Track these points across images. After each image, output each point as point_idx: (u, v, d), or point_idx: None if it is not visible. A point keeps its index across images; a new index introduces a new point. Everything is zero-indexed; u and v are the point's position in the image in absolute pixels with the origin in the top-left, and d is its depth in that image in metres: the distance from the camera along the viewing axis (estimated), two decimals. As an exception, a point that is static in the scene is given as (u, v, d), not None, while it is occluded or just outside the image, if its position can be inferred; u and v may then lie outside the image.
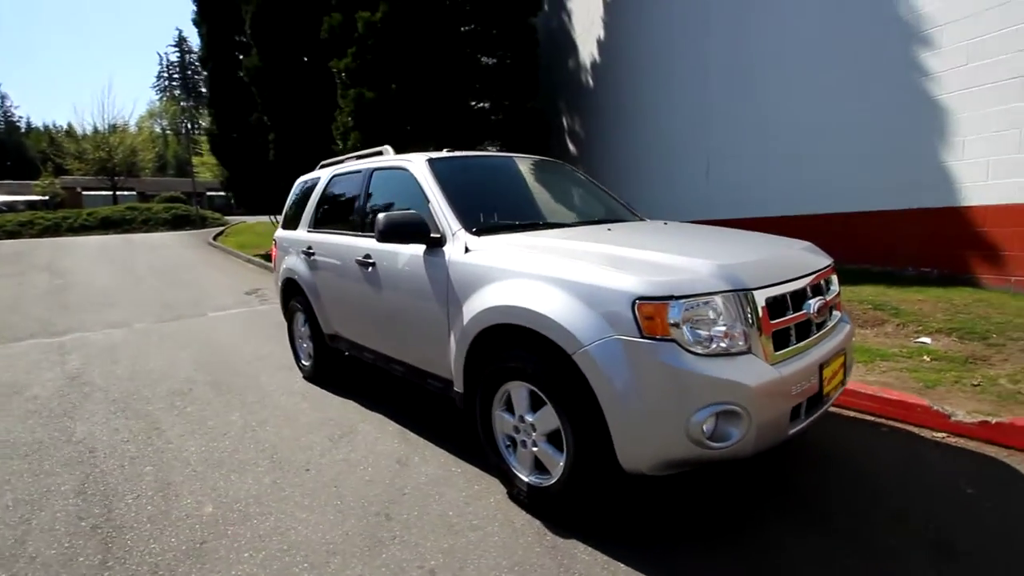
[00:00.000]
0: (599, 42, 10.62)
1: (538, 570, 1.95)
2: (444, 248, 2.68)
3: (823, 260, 2.50)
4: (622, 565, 1.95)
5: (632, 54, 9.38)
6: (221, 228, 22.76)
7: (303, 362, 4.47)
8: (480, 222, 2.77)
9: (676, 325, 1.83)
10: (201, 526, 2.37)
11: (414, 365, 3.05)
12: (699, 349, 1.84)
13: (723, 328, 1.87)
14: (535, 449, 2.25)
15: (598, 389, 1.91)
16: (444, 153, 3.30)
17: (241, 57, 13.73)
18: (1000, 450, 2.60)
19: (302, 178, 4.72)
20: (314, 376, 4.28)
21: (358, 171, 3.73)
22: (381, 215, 2.75)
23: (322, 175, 4.23)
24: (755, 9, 6.93)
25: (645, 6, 8.99)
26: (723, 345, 1.86)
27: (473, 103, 9.93)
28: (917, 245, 5.24)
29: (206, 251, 16.13)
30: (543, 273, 2.16)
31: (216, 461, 3.00)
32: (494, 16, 9.60)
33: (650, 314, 1.84)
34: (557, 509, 2.19)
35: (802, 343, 2.10)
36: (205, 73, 14.96)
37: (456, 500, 2.46)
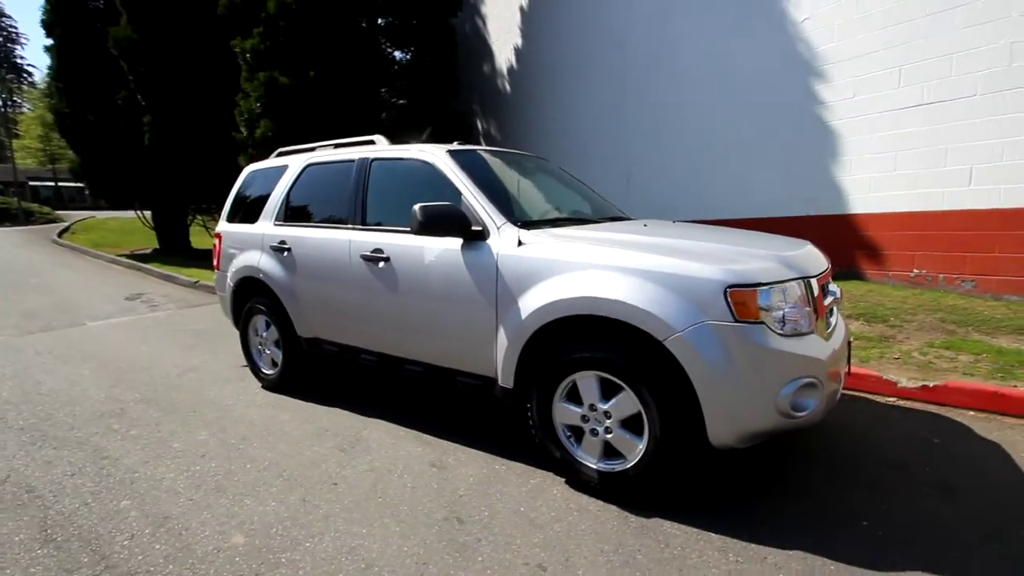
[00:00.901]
0: (516, 49, 10.88)
1: (642, 550, 2.01)
2: (488, 242, 2.62)
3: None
4: (712, 534, 2.09)
5: (550, 62, 9.75)
6: (63, 225, 19.19)
7: (264, 371, 4.02)
8: (516, 216, 2.76)
9: (766, 309, 2.02)
10: (242, 558, 2.06)
11: (440, 365, 2.92)
12: (781, 330, 2.05)
13: (796, 311, 2.10)
14: (609, 436, 2.31)
15: (692, 371, 2.04)
16: (457, 146, 3.21)
17: (101, 26, 11.71)
18: (940, 407, 3.22)
19: (253, 167, 4.24)
20: (280, 384, 3.87)
21: (347, 161, 3.46)
22: (418, 206, 2.62)
23: (290, 164, 3.84)
24: (671, 27, 7.63)
25: (561, 16, 9.40)
26: (797, 326, 2.09)
27: (394, 99, 9.59)
28: (817, 246, 6.18)
29: (52, 251, 13.55)
30: (620, 264, 2.23)
31: (213, 486, 2.60)
32: (415, 13, 9.37)
33: (742, 300, 2.01)
34: (633, 491, 2.27)
35: (832, 326, 2.43)
36: (51, 41, 12.46)
37: (519, 496, 2.42)
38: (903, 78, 5.34)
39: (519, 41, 10.79)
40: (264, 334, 3.95)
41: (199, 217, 13.20)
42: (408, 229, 3.02)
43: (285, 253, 3.62)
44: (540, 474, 2.60)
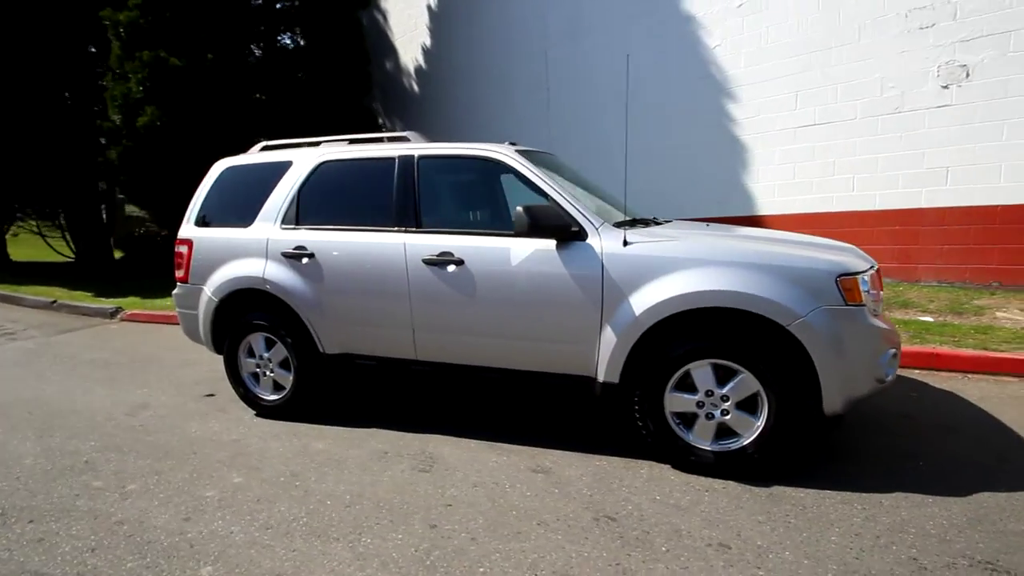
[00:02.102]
0: (425, 49, 10.66)
1: (789, 514, 2.24)
2: (588, 242, 2.66)
3: None
4: (827, 491, 2.39)
5: (469, 66, 9.75)
6: None
7: (263, 396, 3.50)
8: (601, 216, 2.82)
9: (866, 293, 2.39)
10: (421, 596, 1.84)
11: (523, 369, 2.86)
12: (871, 310, 2.44)
13: (876, 294, 2.51)
14: (726, 418, 2.51)
15: (813, 350, 2.32)
16: (512, 144, 3.14)
17: None
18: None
19: (230, 163, 3.66)
20: (286, 411, 3.41)
21: (382, 158, 3.18)
22: (521, 207, 2.58)
23: (294, 160, 3.40)
24: (587, 42, 8.16)
25: (481, 22, 9.47)
26: (877, 307, 2.50)
27: (300, 93, 8.76)
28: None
29: None
30: (735, 260, 2.45)
31: (307, 531, 2.25)
32: (322, 4, 8.68)
33: (849, 287, 2.35)
34: (750, 466, 2.49)
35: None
36: None
37: (643, 487, 2.50)
38: (799, 101, 6.44)
39: (428, 41, 10.60)
40: (265, 355, 3.44)
41: (27, 223, 10.64)
42: (481, 230, 2.95)
43: (304, 260, 3.20)
44: (643, 464, 2.71)
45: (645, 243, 2.61)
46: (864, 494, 2.37)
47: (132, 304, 7.31)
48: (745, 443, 2.49)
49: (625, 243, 2.61)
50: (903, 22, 5.62)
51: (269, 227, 3.36)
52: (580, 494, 2.47)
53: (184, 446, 3.13)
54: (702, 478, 2.56)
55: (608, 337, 2.62)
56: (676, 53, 7.29)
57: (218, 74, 7.23)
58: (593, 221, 2.70)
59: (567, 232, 2.66)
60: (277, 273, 3.26)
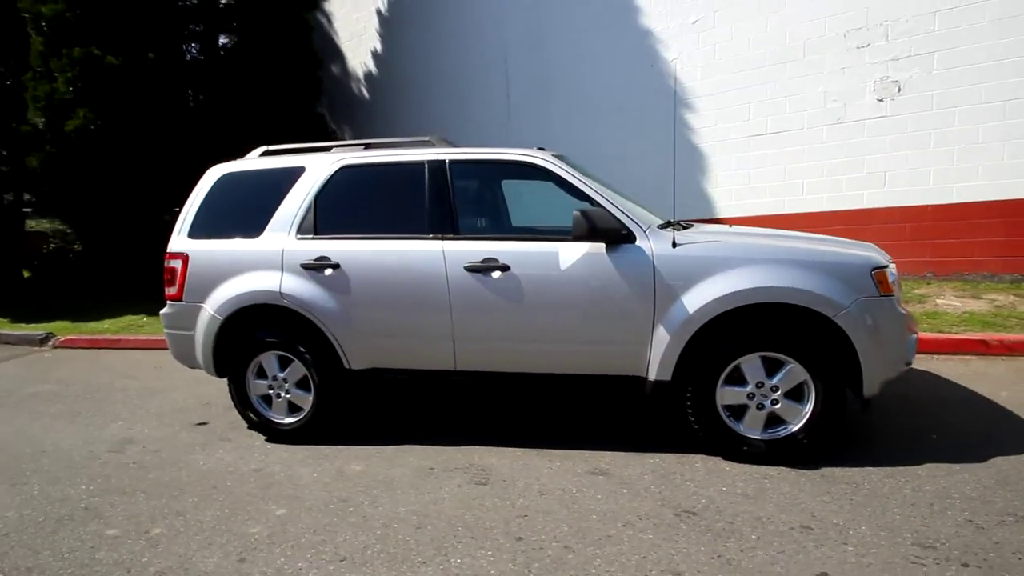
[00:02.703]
0: (375, 54, 10.39)
1: (848, 493, 2.39)
2: (638, 244, 2.71)
3: None
4: (869, 468, 2.58)
5: (426, 72, 9.59)
6: None
7: (277, 420, 3.24)
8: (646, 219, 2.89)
9: (894, 284, 2.62)
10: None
11: (572, 373, 2.86)
12: (898, 300, 2.68)
13: (898, 285, 2.76)
14: (776, 407, 2.64)
15: (856, 338, 2.51)
16: (540, 149, 3.13)
17: None
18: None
19: (227, 169, 3.37)
20: (304, 433, 3.19)
21: (409, 163, 3.07)
22: (579, 211, 2.62)
23: (308, 165, 3.19)
24: (548, 52, 8.34)
25: (436, 28, 9.37)
26: (899, 297, 2.75)
27: (248, 98, 8.21)
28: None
29: None
30: (780, 257, 2.61)
31: (389, 558, 2.12)
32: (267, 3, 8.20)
33: (881, 279, 2.57)
34: (799, 451, 2.64)
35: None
36: None
37: (706, 479, 2.57)
38: (751, 112, 6.94)
39: (378, 46, 10.34)
40: (280, 375, 3.18)
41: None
42: (523, 236, 2.92)
43: (328, 271, 3.01)
44: (694, 458, 2.79)
45: (694, 244, 2.71)
46: (900, 468, 2.59)
47: (63, 329, 6.48)
48: (794, 430, 2.64)
49: (674, 244, 2.69)
50: (843, 41, 6.23)
51: (283, 237, 3.12)
52: (649, 492, 2.51)
53: (199, 481, 2.83)
54: (755, 467, 2.67)
55: (660, 336, 2.69)
56: (637, 65, 7.61)
57: (158, 75, 6.61)
58: (640, 224, 2.76)
59: (620, 235, 2.70)
60: (296, 286, 3.04)
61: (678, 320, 2.65)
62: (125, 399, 4.27)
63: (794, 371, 2.60)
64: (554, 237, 2.88)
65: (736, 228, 3.38)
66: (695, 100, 7.29)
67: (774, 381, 2.63)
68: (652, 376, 2.74)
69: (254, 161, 3.37)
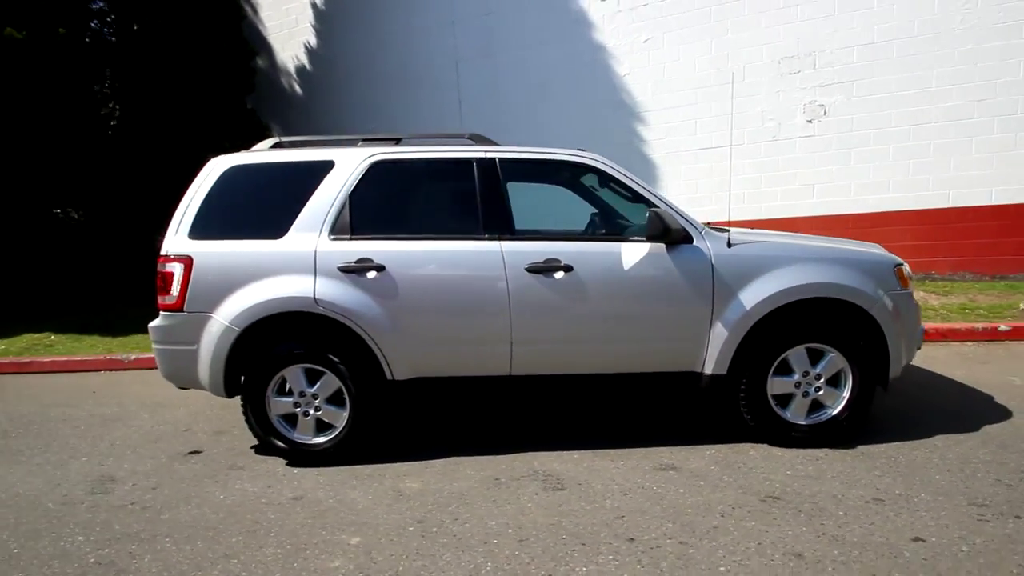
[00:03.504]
0: (309, 48, 9.77)
1: (893, 467, 2.65)
2: (697, 244, 2.81)
3: None
4: (897, 443, 2.88)
5: (369, 70, 9.18)
6: None
7: (304, 440, 2.91)
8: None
9: (910, 279, 2.96)
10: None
11: (630, 372, 2.88)
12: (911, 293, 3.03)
13: (911, 280, 3.11)
14: (819, 394, 2.86)
15: (886, 328, 2.81)
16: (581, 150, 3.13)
17: None
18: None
19: (237, 161, 2.99)
20: (339, 451, 2.90)
21: (454, 160, 2.94)
22: (653, 212, 2.69)
23: (337, 159, 2.91)
24: (498, 59, 8.38)
25: (382, 27, 9.02)
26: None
27: (173, 86, 7.29)
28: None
29: None
30: (823, 256, 2.87)
31: (511, 574, 1.97)
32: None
33: (902, 275, 2.91)
34: (839, 433, 2.88)
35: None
36: None
37: (770, 466, 2.72)
38: (698, 127, 7.49)
39: (312, 40, 9.73)
40: (309, 390, 2.85)
41: None
42: (583, 236, 2.91)
43: (370, 275, 2.76)
44: (746, 447, 2.94)
45: (747, 244, 2.87)
46: (920, 440, 2.92)
47: (-61, 354, 5.27)
48: (834, 413, 2.88)
49: (729, 244, 2.84)
50: (777, 67, 6.95)
51: (313, 237, 2.82)
52: (724, 483, 2.59)
53: (231, 516, 2.45)
54: (802, 450, 2.87)
55: (718, 332, 2.81)
56: (590, 78, 7.90)
57: (69, 53, 5.66)
58: (696, 225, 2.88)
59: (683, 235, 2.79)
60: (333, 290, 2.76)
61: (736, 316, 2.78)
62: (75, 431, 3.58)
63: (834, 360, 2.85)
64: (605, 237, 2.90)
65: (761, 231, 3.62)
66: (647, 114, 7.72)
67: (817, 370, 2.86)
68: (709, 371, 2.86)
69: (266, 154, 3.01)
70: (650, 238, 2.72)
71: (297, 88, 9.99)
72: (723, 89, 7.22)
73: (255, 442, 3.23)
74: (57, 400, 4.26)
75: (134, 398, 4.24)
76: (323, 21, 9.59)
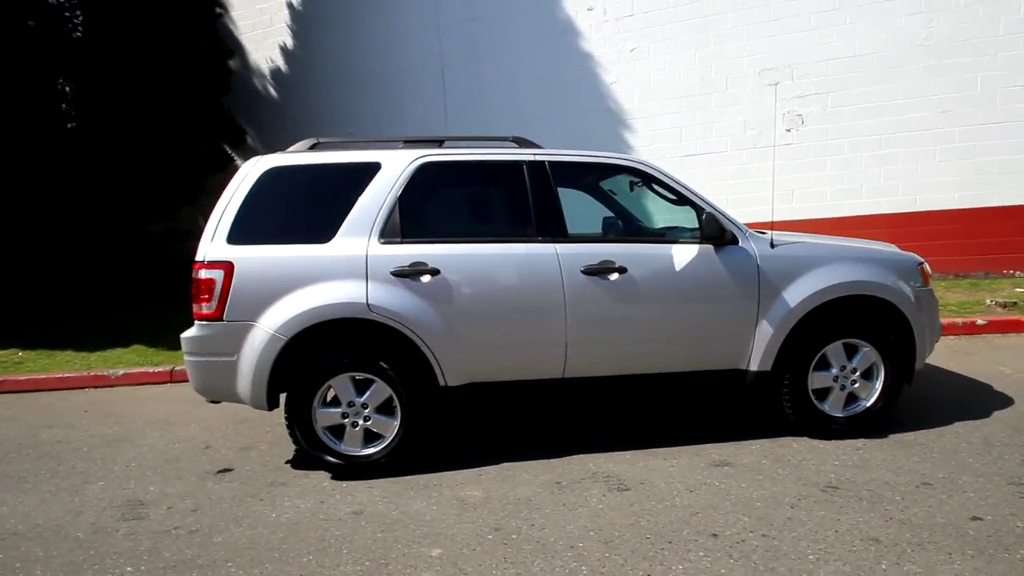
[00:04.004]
0: (285, 50, 9.47)
1: (928, 453, 2.80)
2: (742, 245, 2.90)
3: None
4: (922, 431, 3.06)
5: (347, 75, 8.98)
6: None
7: (352, 452, 2.80)
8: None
9: (931, 276, 3.16)
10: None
11: (678, 371, 2.94)
12: (930, 290, 3.24)
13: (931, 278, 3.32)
14: (855, 387, 3.00)
15: (914, 322, 2.98)
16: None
17: None
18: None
19: (277, 163, 2.86)
20: (390, 461, 2.80)
21: (503, 163, 2.92)
22: (709, 215, 2.77)
23: (383, 161, 2.83)
24: (484, 66, 8.39)
25: (363, 30, 8.84)
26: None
27: (141, 81, 6.88)
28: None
29: None
30: (858, 256, 3.02)
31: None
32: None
33: (924, 272, 3.10)
34: (873, 423, 3.02)
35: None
36: None
37: (815, 457, 2.83)
38: (683, 135, 7.74)
39: (289, 41, 9.44)
40: (357, 400, 2.75)
41: None
42: (636, 237, 2.99)
43: (425, 279, 2.70)
44: (787, 440, 3.04)
45: (788, 245, 2.99)
46: (942, 428, 3.10)
47: None
48: (867, 405, 3.03)
49: (772, 245, 2.94)
50: (758, 78, 7.28)
51: (362, 241, 2.72)
52: (781, 476, 2.67)
53: (293, 536, 2.32)
54: (841, 441, 3.00)
55: (764, 329, 2.91)
56: (576, 85, 8.03)
57: (35, 49, 5.24)
58: (740, 227, 2.97)
59: (733, 237, 2.87)
60: (386, 295, 2.67)
61: (781, 314, 2.89)
62: (78, 454, 3.30)
63: (868, 354, 3.00)
64: (655, 239, 2.96)
65: (792, 232, 3.76)
66: (633, 121, 7.90)
67: (853, 364, 3.00)
68: (754, 368, 2.95)
69: (307, 155, 2.89)
70: (707, 239, 2.79)
71: (272, 90, 9.65)
72: (707, 98, 7.50)
73: (288, 457, 3.10)
74: (45, 421, 3.92)
75: (134, 416, 3.95)
76: (299, 22, 9.32)
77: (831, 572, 1.96)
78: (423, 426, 2.85)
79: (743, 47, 7.25)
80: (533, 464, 2.90)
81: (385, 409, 2.80)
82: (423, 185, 2.86)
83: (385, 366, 2.74)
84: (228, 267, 2.67)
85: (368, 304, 2.67)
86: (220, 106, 7.76)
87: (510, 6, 8.20)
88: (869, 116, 6.83)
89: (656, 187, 3.07)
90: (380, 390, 2.77)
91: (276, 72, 9.55)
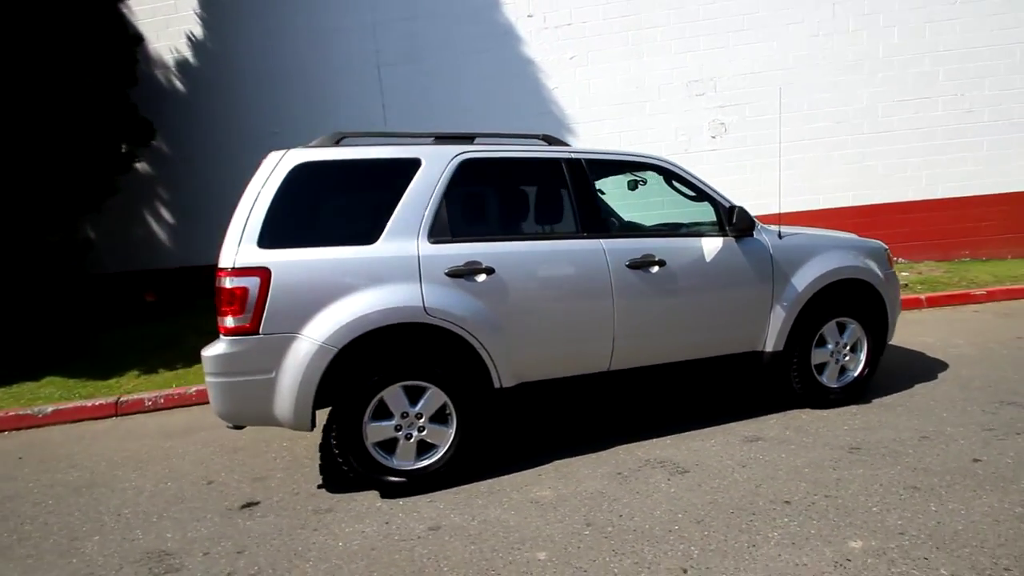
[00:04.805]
0: (193, 40, 8.53)
1: (916, 414, 3.25)
2: (756, 236, 3.16)
3: None
4: (895, 394, 3.54)
5: (273, 71, 8.30)
6: None
7: (405, 466, 2.64)
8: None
9: (894, 261, 3.67)
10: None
11: (705, 358, 3.14)
12: (891, 272, 3.75)
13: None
14: (846, 360, 3.40)
15: (888, 301, 3.45)
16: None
17: None
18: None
19: (307, 158, 2.60)
20: (445, 472, 2.68)
21: (542, 160, 2.92)
22: (740, 208, 2.94)
23: (423, 157, 2.68)
24: (424, 64, 8.23)
25: (288, 24, 8.22)
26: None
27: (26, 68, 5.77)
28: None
29: None
30: (845, 245, 3.41)
31: (720, 552, 2.05)
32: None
33: (889, 257, 3.59)
34: (859, 391, 3.44)
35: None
36: None
37: (824, 425, 3.16)
38: (622, 140, 8.16)
39: (198, 31, 8.52)
40: (412, 410, 2.59)
41: None
42: (668, 231, 3.12)
43: (480, 278, 2.61)
44: (791, 413, 3.35)
45: (792, 236, 3.31)
46: (907, 391, 3.60)
47: None
48: (855, 375, 3.45)
49: (780, 236, 3.25)
50: (686, 89, 7.92)
51: (411, 242, 2.57)
52: (809, 443, 2.95)
53: (377, 564, 2.13)
54: (837, 409, 3.38)
55: (777, 313, 3.20)
56: (520, 89, 8.15)
57: None
58: (754, 219, 3.23)
59: (753, 228, 3.12)
60: (443, 297, 2.55)
61: (791, 298, 3.20)
62: (45, 507, 2.73)
63: (854, 330, 3.42)
64: (683, 233, 3.14)
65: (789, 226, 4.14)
66: (576, 125, 8.20)
67: (844, 339, 3.40)
68: (769, 348, 3.23)
69: (337, 150, 2.66)
70: (739, 232, 3.02)
71: (177, 83, 8.61)
72: (642, 106, 8.01)
73: (316, 481, 2.84)
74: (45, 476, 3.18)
75: (90, 458, 3.34)
76: (210, 10, 8.44)
77: (897, 519, 2.22)
78: (478, 431, 2.75)
79: (673, 60, 7.85)
80: (583, 459, 2.93)
81: (440, 417, 2.67)
82: (465, 182, 2.77)
83: (440, 372, 2.61)
84: (264, 273, 2.38)
85: (425, 307, 2.53)
86: (126, 99, 6.77)
87: (450, 7, 8.13)
88: (777, 125, 7.74)
89: (676, 183, 3.26)
90: (435, 397, 2.63)
91: (183, 64, 8.55)
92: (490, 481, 2.74)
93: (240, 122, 8.59)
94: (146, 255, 8.95)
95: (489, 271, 2.65)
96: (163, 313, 6.98)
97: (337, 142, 2.74)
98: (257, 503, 2.68)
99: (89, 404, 4.07)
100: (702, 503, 2.43)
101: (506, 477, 2.77)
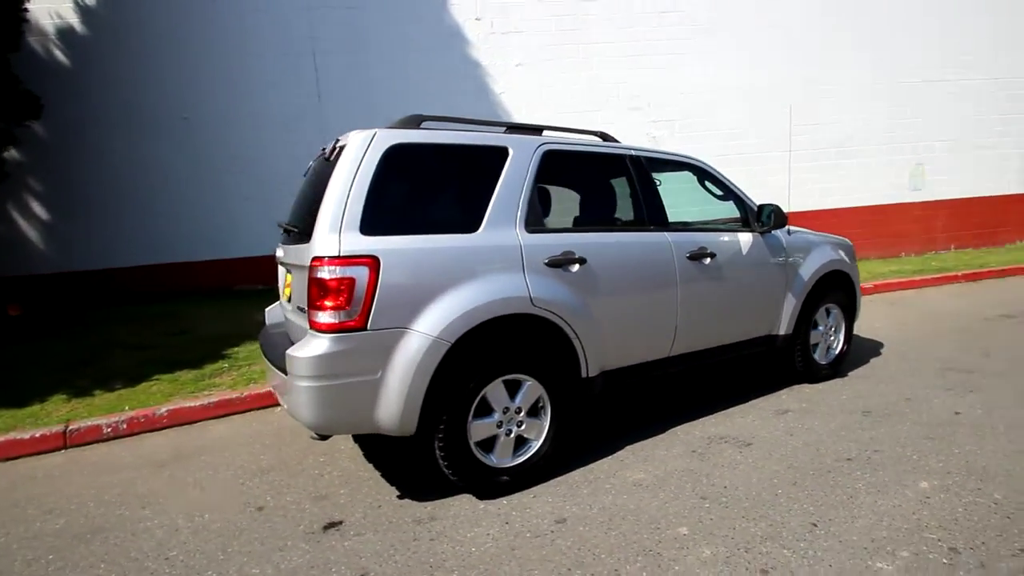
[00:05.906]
0: (83, 8, 7.20)
1: (906, 389, 3.83)
2: (773, 232, 3.54)
3: None
4: (864, 372, 4.17)
5: (171, 45, 7.30)
6: None
7: (504, 464, 2.56)
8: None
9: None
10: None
11: (736, 342, 3.46)
12: (847, 266, 4.39)
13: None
14: (831, 339, 3.93)
15: (857, 289, 4.06)
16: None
17: None
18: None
19: (397, 140, 2.41)
20: (544, 466, 2.65)
21: (611, 155, 3.05)
22: (777, 207, 3.32)
23: (511, 146, 2.62)
24: (372, 73, 7.84)
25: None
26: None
27: None
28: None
29: None
30: (828, 242, 3.94)
31: (824, 518, 2.30)
32: None
33: (853, 251, 4.22)
34: (839, 365, 3.99)
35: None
36: None
37: (825, 397, 3.62)
38: (564, 146, 8.51)
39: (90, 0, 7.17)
40: (511, 404, 2.50)
41: None
42: (710, 226, 3.39)
43: (575, 268, 2.61)
44: (796, 388, 3.79)
45: (796, 233, 3.75)
46: (869, 365, 4.26)
47: None
48: (837, 352, 4.01)
49: (789, 232, 3.67)
50: (628, 102, 8.48)
51: (511, 231, 2.49)
52: (829, 411, 3.37)
53: (530, 562, 2.06)
54: (827, 382, 3.90)
55: (789, 300, 3.62)
56: (467, 91, 8.11)
57: None
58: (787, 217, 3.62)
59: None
60: (546, 287, 2.51)
61: (799, 286, 3.64)
62: (50, 563, 2.14)
63: (836, 314, 3.98)
64: (724, 228, 3.43)
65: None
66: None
67: (830, 322, 3.95)
68: (782, 332, 3.64)
69: (428, 133, 2.48)
70: (776, 227, 3.36)
71: (58, 54, 7.20)
72: (587, 116, 8.40)
73: (395, 492, 2.62)
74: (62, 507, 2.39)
75: (65, 499, 2.68)
76: (104, -28, 7.22)
77: (936, 461, 2.67)
78: (569, 423, 2.74)
79: (613, 75, 8.37)
80: (652, 441, 3.05)
81: (533, 411, 2.61)
82: (547, 173, 2.75)
83: (536, 364, 2.56)
84: (372, 262, 2.16)
85: (531, 297, 2.47)
86: (8, 67, 5.50)
87: (397, 1, 7.85)
88: (704, 140, 8.62)
89: (708, 183, 3.54)
90: (532, 390, 2.57)
91: (67, 33, 7.18)
92: (581, 470, 2.74)
93: (141, 105, 7.45)
94: (8, 259, 7.35)
95: (582, 261, 2.67)
96: (38, 330, 5.58)
97: (418, 124, 2.57)
98: (340, 522, 2.39)
99: (27, 437, 3.25)
100: (782, 468, 2.69)
101: (592, 465, 2.80)
